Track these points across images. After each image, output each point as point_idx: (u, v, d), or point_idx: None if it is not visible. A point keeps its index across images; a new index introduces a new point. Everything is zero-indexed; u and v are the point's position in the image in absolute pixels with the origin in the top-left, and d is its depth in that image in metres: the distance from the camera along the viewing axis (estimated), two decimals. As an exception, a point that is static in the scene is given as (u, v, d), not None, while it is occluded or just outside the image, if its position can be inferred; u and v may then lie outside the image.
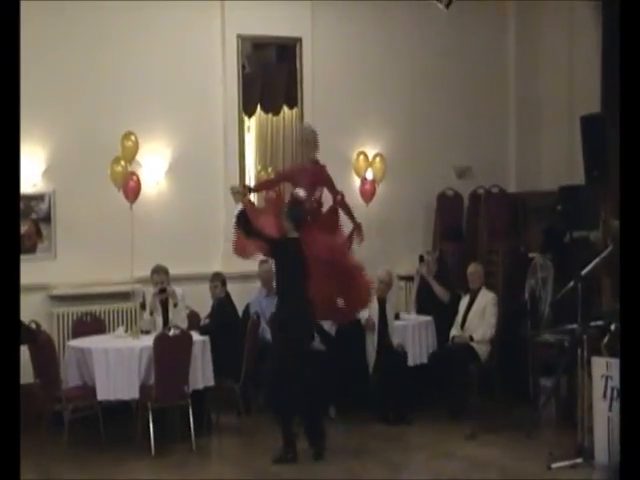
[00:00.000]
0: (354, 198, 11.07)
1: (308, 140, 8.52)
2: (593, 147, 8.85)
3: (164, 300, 9.15)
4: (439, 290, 10.09)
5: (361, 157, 11.17)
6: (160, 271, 9.10)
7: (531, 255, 10.19)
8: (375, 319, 9.39)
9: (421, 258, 10.43)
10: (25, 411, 8.15)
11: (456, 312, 9.81)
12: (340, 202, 8.66)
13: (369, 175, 11.19)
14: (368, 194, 11.15)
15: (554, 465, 7.30)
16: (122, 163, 9.61)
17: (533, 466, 7.45)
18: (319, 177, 8.50)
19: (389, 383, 9.13)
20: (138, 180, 9.72)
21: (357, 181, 11.21)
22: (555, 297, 9.35)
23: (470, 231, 11.51)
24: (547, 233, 10.00)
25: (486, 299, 9.65)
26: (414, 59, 11.49)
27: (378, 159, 11.19)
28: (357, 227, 8.78)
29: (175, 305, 9.08)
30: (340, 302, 8.12)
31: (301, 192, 8.16)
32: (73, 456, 8.13)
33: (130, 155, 9.70)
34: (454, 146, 11.67)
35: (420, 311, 10.24)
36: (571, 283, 7.68)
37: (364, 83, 11.28)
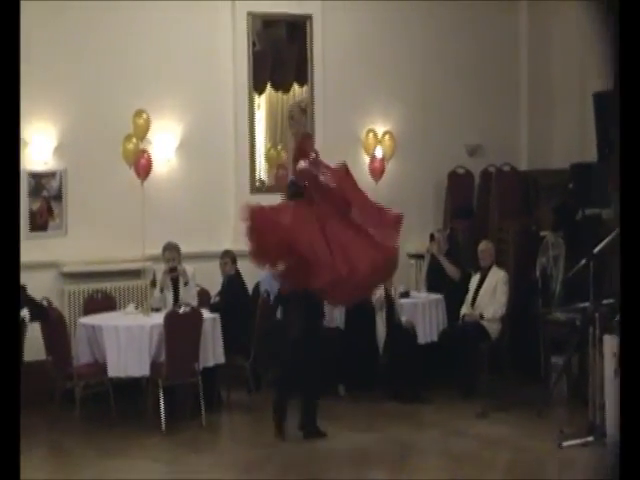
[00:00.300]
0: (363, 176, 11.06)
1: (293, 116, 8.31)
2: (605, 124, 8.80)
3: (175, 278, 9.14)
4: (450, 268, 10.08)
5: (370, 135, 11.12)
6: (172, 248, 9.10)
7: (542, 233, 10.15)
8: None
9: (431, 236, 10.40)
10: (37, 388, 8.39)
11: (467, 290, 9.79)
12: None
13: (378, 153, 11.15)
14: (377, 172, 11.11)
15: (565, 443, 7.30)
16: (134, 141, 9.58)
17: (544, 444, 7.44)
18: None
19: (399, 361, 9.13)
20: (149, 158, 9.70)
21: (367, 159, 11.17)
22: (567, 275, 9.32)
23: (481, 209, 11.46)
24: (559, 211, 9.96)
25: (497, 277, 9.63)
26: (426, 36, 11.42)
27: (387, 137, 11.14)
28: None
29: (186, 284, 9.08)
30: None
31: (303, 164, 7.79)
32: (84, 432, 8.18)
33: (142, 133, 9.67)
34: (465, 124, 11.62)
35: (430, 289, 10.23)
36: (583, 261, 7.65)
37: (375, 60, 11.22)
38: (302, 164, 7.56)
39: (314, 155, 7.73)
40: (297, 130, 7.96)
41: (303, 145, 7.82)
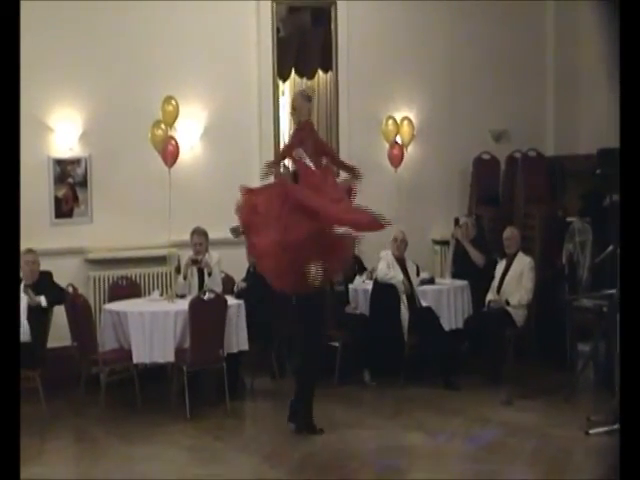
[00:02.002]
0: (384, 162, 11.03)
1: (295, 106, 7.94)
2: (634, 109, 8.68)
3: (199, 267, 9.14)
4: (475, 254, 10.02)
5: (390, 121, 11.05)
6: (200, 233, 9.11)
7: (569, 219, 10.07)
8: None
9: (456, 221, 10.35)
10: (62, 374, 8.42)
11: (492, 277, 9.73)
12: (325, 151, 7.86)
13: (398, 139, 11.08)
14: (397, 159, 11.04)
15: (592, 431, 7.25)
16: (162, 127, 9.59)
17: (571, 432, 7.40)
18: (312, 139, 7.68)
19: (426, 343, 9.12)
20: (176, 144, 9.69)
21: (386, 145, 11.11)
22: (594, 261, 9.25)
23: (507, 195, 11.39)
24: (586, 197, 9.89)
25: (523, 264, 9.56)
26: (450, 21, 11.34)
27: (406, 123, 11.06)
28: (351, 171, 7.76)
29: (210, 274, 9.05)
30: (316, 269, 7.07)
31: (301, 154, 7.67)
32: (109, 418, 8.21)
33: (171, 119, 9.68)
34: (491, 109, 11.53)
35: (456, 275, 10.18)
36: (610, 247, 7.58)
37: (399, 47, 11.16)
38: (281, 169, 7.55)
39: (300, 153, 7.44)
40: (299, 121, 7.66)
41: (295, 140, 7.56)
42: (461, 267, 10.14)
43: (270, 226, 7.05)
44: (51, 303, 8.33)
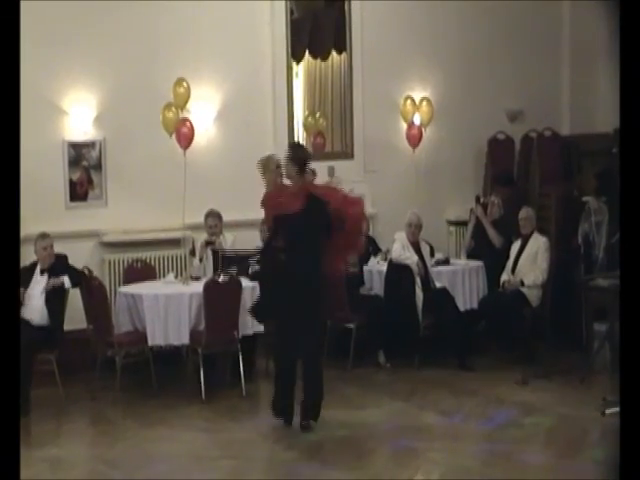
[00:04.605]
0: (401, 143, 10.99)
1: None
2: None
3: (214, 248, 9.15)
4: (493, 234, 9.96)
5: (408, 101, 11.01)
6: (214, 215, 9.12)
7: (585, 199, 10.00)
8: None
9: (477, 199, 10.29)
10: (78, 356, 8.47)
11: (507, 257, 9.69)
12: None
13: (416, 120, 11.04)
14: (415, 139, 11.00)
15: (608, 411, 7.21)
16: (174, 109, 9.58)
17: (586, 412, 7.39)
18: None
19: (441, 324, 9.14)
20: (191, 126, 9.67)
21: (404, 126, 11.07)
22: (609, 241, 9.20)
23: (522, 175, 11.34)
24: (602, 176, 9.81)
25: (538, 244, 9.51)
26: (465, 1, 11.23)
27: (425, 103, 11.02)
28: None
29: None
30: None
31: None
32: (125, 400, 8.26)
33: (182, 101, 9.66)
34: (506, 89, 11.47)
35: (471, 254, 10.14)
36: (626, 227, 7.51)
37: (413, 27, 11.10)
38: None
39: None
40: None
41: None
42: (478, 245, 10.10)
43: None
44: (74, 284, 8.37)
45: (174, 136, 9.58)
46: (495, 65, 11.44)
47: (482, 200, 10.35)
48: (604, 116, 10.84)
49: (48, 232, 8.46)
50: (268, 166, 7.47)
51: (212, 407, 8.00)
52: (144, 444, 7.09)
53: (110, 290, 9.21)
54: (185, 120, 9.63)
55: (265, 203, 7.45)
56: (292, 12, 10.65)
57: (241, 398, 8.27)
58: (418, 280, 9.21)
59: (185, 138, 9.59)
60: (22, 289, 8.05)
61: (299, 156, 7.29)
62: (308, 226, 7.09)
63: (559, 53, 11.75)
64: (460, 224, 11.05)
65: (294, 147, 7.64)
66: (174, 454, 6.84)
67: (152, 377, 8.45)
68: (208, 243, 9.04)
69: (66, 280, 8.28)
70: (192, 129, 9.63)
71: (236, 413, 7.87)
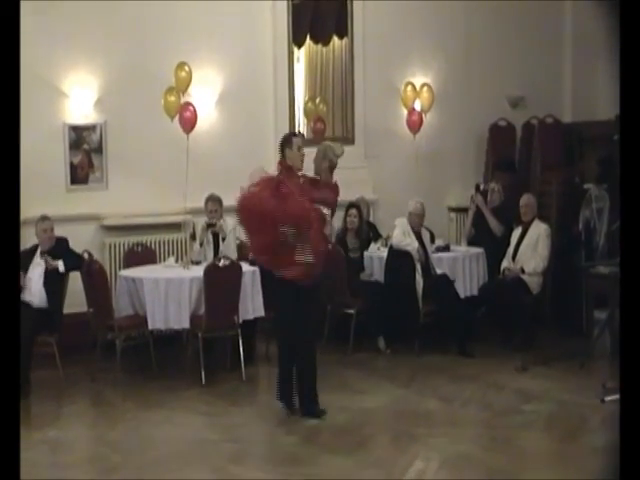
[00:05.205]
0: (401, 129, 10.98)
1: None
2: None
3: (214, 232, 9.14)
4: (494, 223, 9.95)
5: (409, 87, 10.99)
6: (214, 199, 9.09)
7: (586, 186, 10.00)
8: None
9: (477, 187, 10.28)
10: (79, 339, 8.47)
11: (508, 244, 9.68)
12: None
13: (417, 106, 11.02)
14: (415, 125, 10.99)
15: (607, 398, 7.22)
16: (175, 93, 9.55)
17: (586, 399, 7.39)
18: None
19: (441, 310, 9.15)
20: (194, 110, 9.66)
21: (405, 112, 11.05)
22: (610, 228, 9.19)
23: (523, 162, 11.33)
24: (603, 163, 9.79)
25: (539, 231, 9.50)
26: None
27: (425, 89, 11.00)
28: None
29: (224, 239, 9.06)
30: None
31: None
32: (125, 383, 8.27)
33: (184, 85, 9.65)
34: (507, 75, 11.47)
35: (472, 242, 10.13)
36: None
37: (415, 13, 11.08)
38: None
39: None
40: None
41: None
42: (479, 233, 10.10)
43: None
44: (68, 269, 8.35)
45: (176, 120, 9.57)
46: (497, 51, 11.42)
47: (482, 187, 10.34)
48: (605, 103, 10.83)
49: (49, 215, 8.46)
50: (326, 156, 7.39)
51: (212, 391, 8.00)
52: (144, 427, 7.10)
53: (110, 274, 9.22)
54: (188, 104, 9.62)
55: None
56: (294, -4, 10.63)
57: (241, 382, 8.27)
58: (418, 266, 9.20)
59: (188, 122, 9.59)
60: (22, 272, 8.07)
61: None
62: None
63: (561, 39, 11.74)
64: (461, 210, 11.06)
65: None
66: (174, 437, 6.85)
67: (152, 360, 8.47)
68: (209, 225, 9.02)
69: (60, 264, 8.26)
70: (195, 113, 9.62)
71: (236, 397, 7.87)
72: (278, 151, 7.22)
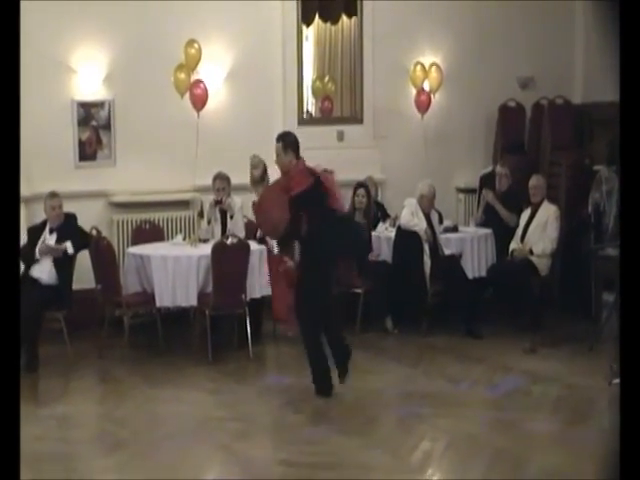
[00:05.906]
0: (410, 109, 10.92)
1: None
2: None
3: (222, 209, 9.12)
4: (505, 215, 9.84)
5: (418, 67, 10.92)
6: (222, 177, 9.05)
7: (596, 167, 9.94)
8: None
9: (481, 180, 10.23)
10: (87, 315, 8.48)
11: (517, 225, 9.64)
12: None
13: (426, 86, 10.96)
14: (424, 105, 10.93)
15: (615, 381, 7.19)
16: (185, 71, 9.52)
17: (594, 381, 7.38)
18: None
19: (449, 290, 9.12)
20: (205, 88, 9.63)
21: (414, 92, 10.99)
22: (620, 210, 9.13)
23: (532, 143, 11.26)
24: (613, 145, 9.72)
25: (548, 212, 9.46)
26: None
27: (434, 69, 10.93)
28: None
29: (231, 217, 9.04)
30: None
31: None
32: (133, 360, 8.29)
33: (193, 63, 9.62)
34: (517, 55, 11.36)
35: (482, 223, 10.07)
36: (638, 196, 7.46)
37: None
38: None
39: None
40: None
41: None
42: (489, 219, 10.01)
43: None
44: (77, 249, 8.34)
45: (187, 97, 9.54)
46: (507, 31, 11.32)
47: (490, 169, 10.27)
48: (616, 84, 10.73)
49: (57, 191, 8.45)
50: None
51: (219, 368, 8.01)
52: (151, 403, 7.12)
53: (118, 251, 9.21)
54: (199, 82, 9.59)
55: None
56: (303, -26, 10.56)
57: (248, 360, 8.28)
58: (426, 247, 9.16)
59: (199, 100, 9.56)
60: (31, 248, 8.07)
61: (292, 140, 7.23)
62: (322, 196, 7.08)
63: (572, 20, 11.61)
64: (469, 191, 11.01)
65: (284, 135, 7.43)
66: (180, 414, 6.87)
67: (159, 338, 8.48)
68: (217, 202, 9.00)
69: (69, 246, 8.24)
70: (206, 91, 9.59)
71: (243, 375, 7.89)
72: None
